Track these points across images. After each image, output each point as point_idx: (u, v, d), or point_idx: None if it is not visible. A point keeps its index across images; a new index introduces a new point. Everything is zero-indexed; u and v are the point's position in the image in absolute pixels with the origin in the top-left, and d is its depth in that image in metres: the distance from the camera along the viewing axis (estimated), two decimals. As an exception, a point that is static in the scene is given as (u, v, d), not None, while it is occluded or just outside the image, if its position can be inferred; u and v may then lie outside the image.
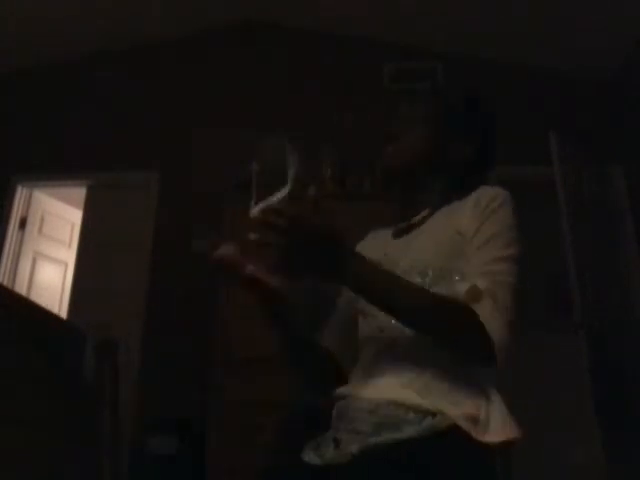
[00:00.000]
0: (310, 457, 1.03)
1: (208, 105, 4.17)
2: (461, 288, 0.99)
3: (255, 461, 2.69)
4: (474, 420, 0.96)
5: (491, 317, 0.96)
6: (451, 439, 0.93)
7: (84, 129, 4.20)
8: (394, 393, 1.00)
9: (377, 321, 1.12)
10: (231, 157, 3.86)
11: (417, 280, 1.06)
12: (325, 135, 3.82)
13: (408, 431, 0.94)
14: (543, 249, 3.73)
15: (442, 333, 0.99)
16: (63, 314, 3.94)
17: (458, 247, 1.07)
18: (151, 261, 3.82)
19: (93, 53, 4.32)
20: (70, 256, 4.44)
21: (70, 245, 4.60)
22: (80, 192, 4.26)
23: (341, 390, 1.12)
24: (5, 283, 3.90)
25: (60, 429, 1.41)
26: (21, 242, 4.18)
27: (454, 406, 0.96)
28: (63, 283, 4.55)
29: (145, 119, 4.18)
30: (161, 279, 3.76)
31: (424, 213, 1.20)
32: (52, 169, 4.16)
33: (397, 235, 1.25)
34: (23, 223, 4.20)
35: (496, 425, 0.98)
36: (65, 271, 4.59)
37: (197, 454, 2.93)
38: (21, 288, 4.07)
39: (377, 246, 1.26)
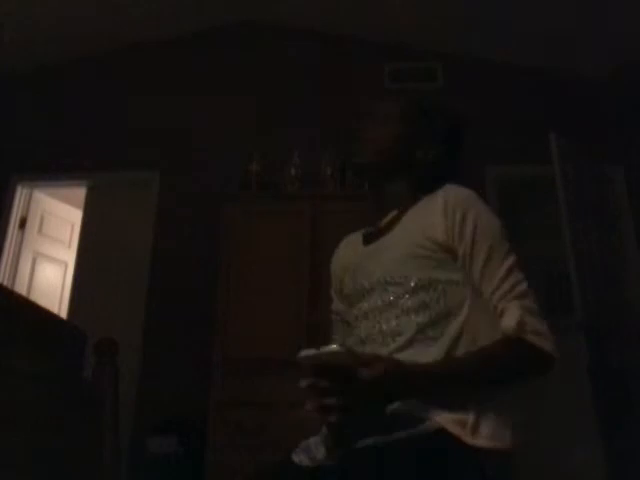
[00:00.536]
0: (300, 459, 1.03)
1: (208, 105, 4.17)
2: (508, 323, 1.02)
3: (255, 461, 2.70)
4: (462, 424, 0.97)
5: (540, 333, 1.02)
6: (439, 442, 0.95)
7: (84, 129, 4.20)
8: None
9: (359, 331, 1.14)
10: (231, 157, 3.87)
11: (392, 291, 1.08)
12: (325, 135, 3.82)
13: (398, 434, 0.95)
14: (543, 249, 3.73)
15: (517, 378, 1.04)
16: (63, 314, 3.94)
17: (435, 257, 1.08)
18: (151, 261, 3.82)
19: (93, 53, 4.31)
20: (70, 256, 4.43)
21: (70, 245, 4.60)
22: (80, 192, 4.26)
23: None
24: (5, 283, 3.90)
25: (60, 429, 1.41)
26: (21, 242, 4.18)
27: (442, 410, 0.97)
28: (63, 283, 4.55)
29: (145, 119, 4.18)
30: (161, 279, 3.76)
31: (391, 215, 1.21)
32: (52, 169, 4.16)
33: (367, 241, 1.25)
34: (23, 223, 4.20)
35: (487, 431, 0.99)
36: (65, 271, 4.59)
37: (197, 454, 2.93)
38: (21, 288, 4.07)
39: (349, 254, 1.28)
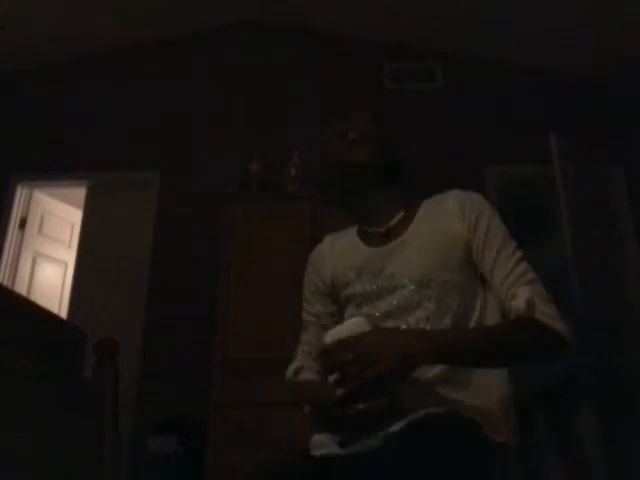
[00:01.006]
0: (329, 449, 1.03)
1: (208, 105, 4.17)
2: (518, 304, 1.07)
3: (255, 461, 2.70)
4: (488, 417, 1.03)
5: (550, 315, 1.06)
6: (457, 430, 0.98)
7: (84, 129, 4.20)
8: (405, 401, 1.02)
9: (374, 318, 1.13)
10: (231, 157, 3.87)
11: (416, 291, 1.12)
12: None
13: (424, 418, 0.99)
14: (543, 249, 3.73)
15: (528, 355, 1.08)
16: (63, 314, 3.93)
17: (456, 257, 1.14)
18: (151, 261, 3.82)
19: (93, 53, 4.32)
20: (70, 256, 4.43)
21: (70, 245, 4.60)
22: (80, 192, 4.26)
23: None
24: (5, 283, 3.90)
25: (60, 429, 1.41)
26: (21, 242, 4.18)
27: (467, 401, 1.03)
28: (63, 283, 4.55)
29: (145, 119, 4.18)
30: (161, 279, 3.76)
31: (398, 217, 1.23)
32: (52, 169, 4.16)
33: (373, 242, 1.25)
34: (23, 223, 4.20)
35: (507, 427, 1.05)
36: (65, 271, 4.59)
37: (197, 454, 2.93)
38: (21, 288, 4.07)
39: (350, 255, 1.26)
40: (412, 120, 4.01)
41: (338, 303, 1.29)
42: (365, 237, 1.27)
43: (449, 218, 1.18)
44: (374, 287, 1.18)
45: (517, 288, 1.09)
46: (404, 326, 1.11)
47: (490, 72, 4.12)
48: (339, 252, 1.31)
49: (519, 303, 1.06)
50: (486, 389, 1.07)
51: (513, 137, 3.92)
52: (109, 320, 3.42)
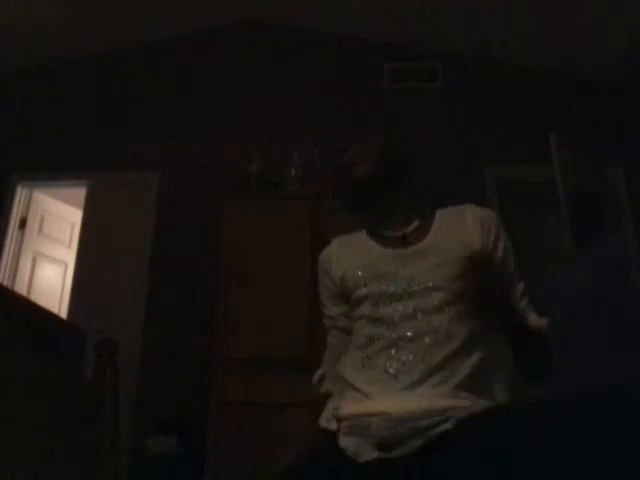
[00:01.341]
0: (374, 455, 1.04)
1: (208, 105, 4.18)
2: (542, 322, 1.20)
3: (255, 461, 2.70)
4: None
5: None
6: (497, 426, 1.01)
7: (84, 129, 4.20)
8: (436, 402, 1.06)
9: (397, 330, 1.16)
10: (231, 157, 3.87)
11: (436, 296, 1.16)
12: (325, 135, 3.82)
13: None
14: (543, 249, 3.73)
15: (540, 365, 1.19)
16: (63, 314, 3.94)
17: (472, 269, 1.14)
18: (151, 261, 3.82)
19: (93, 53, 4.32)
20: (70, 256, 4.44)
21: (70, 245, 4.60)
22: (80, 192, 4.26)
23: (361, 409, 1.12)
24: (5, 283, 3.90)
25: (60, 429, 1.41)
26: (21, 242, 4.18)
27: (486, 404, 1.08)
28: (63, 283, 4.55)
29: (145, 119, 4.18)
30: (161, 279, 3.76)
31: (414, 225, 1.27)
32: (52, 169, 4.16)
33: (389, 244, 1.26)
34: (23, 223, 4.20)
35: None
36: (65, 271, 4.59)
37: (197, 454, 2.93)
38: (21, 288, 4.07)
39: (364, 257, 1.27)
40: (412, 120, 4.02)
41: (349, 303, 1.29)
42: (379, 240, 1.29)
43: (469, 234, 1.22)
44: (392, 288, 1.19)
45: (527, 309, 1.22)
46: (437, 326, 1.14)
47: (490, 72, 4.12)
48: (350, 253, 1.31)
49: (541, 321, 1.19)
50: (501, 394, 1.14)
51: (513, 137, 3.92)
52: (109, 320, 3.43)
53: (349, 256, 1.30)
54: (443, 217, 1.28)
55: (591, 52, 3.74)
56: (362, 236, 1.34)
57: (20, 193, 4.19)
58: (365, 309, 1.22)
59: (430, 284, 1.16)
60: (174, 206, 3.93)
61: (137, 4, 3.90)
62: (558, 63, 3.94)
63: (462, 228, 1.23)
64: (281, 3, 4.09)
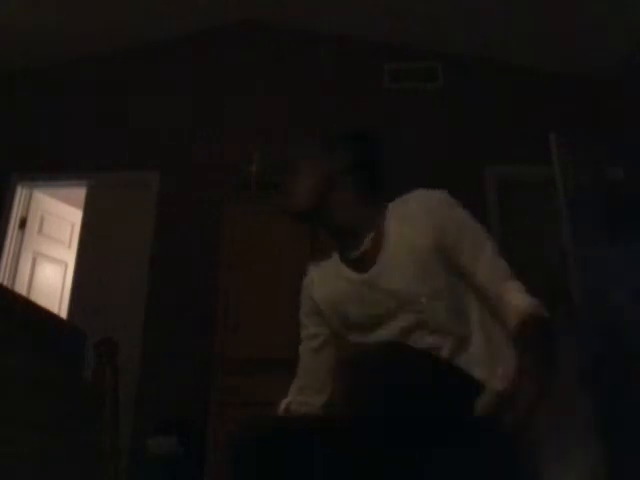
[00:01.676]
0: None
1: (208, 105, 4.17)
2: (525, 303, 1.10)
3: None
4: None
5: (541, 307, 1.10)
6: None
7: (84, 129, 4.20)
8: None
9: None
10: (231, 157, 3.87)
11: (412, 310, 1.14)
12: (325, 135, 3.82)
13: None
14: (543, 249, 3.73)
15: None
16: (63, 314, 3.94)
17: (435, 263, 1.14)
18: (151, 261, 3.82)
19: (93, 53, 4.32)
20: (70, 256, 4.44)
21: (70, 245, 4.60)
22: (80, 192, 4.26)
23: None
24: (5, 283, 3.90)
25: (60, 429, 1.41)
26: (21, 242, 4.18)
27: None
28: (63, 283, 4.55)
29: (145, 119, 4.18)
30: (161, 279, 3.76)
31: (369, 238, 1.22)
32: (52, 169, 4.16)
33: (356, 267, 1.23)
34: (23, 223, 4.20)
35: None
36: (65, 271, 4.59)
37: (197, 454, 2.93)
38: (21, 288, 4.07)
39: (341, 285, 1.25)
40: (412, 120, 4.02)
41: (330, 327, 1.29)
42: (347, 263, 1.26)
43: (418, 231, 1.17)
44: (371, 314, 1.19)
45: (505, 282, 1.13)
46: (420, 345, 1.13)
47: (490, 72, 4.12)
48: (330, 283, 1.29)
49: (524, 302, 1.09)
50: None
51: (513, 137, 3.92)
52: (109, 320, 3.42)
53: (332, 288, 1.28)
54: (393, 216, 1.23)
55: (591, 52, 3.74)
56: (336, 258, 1.31)
57: (20, 193, 4.19)
58: (354, 337, 1.24)
59: (395, 303, 1.15)
60: (174, 206, 3.93)
61: (137, 4, 3.90)
62: (558, 63, 3.94)
63: (411, 227, 1.18)
64: (281, 3, 4.09)
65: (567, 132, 3.30)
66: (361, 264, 1.22)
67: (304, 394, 1.29)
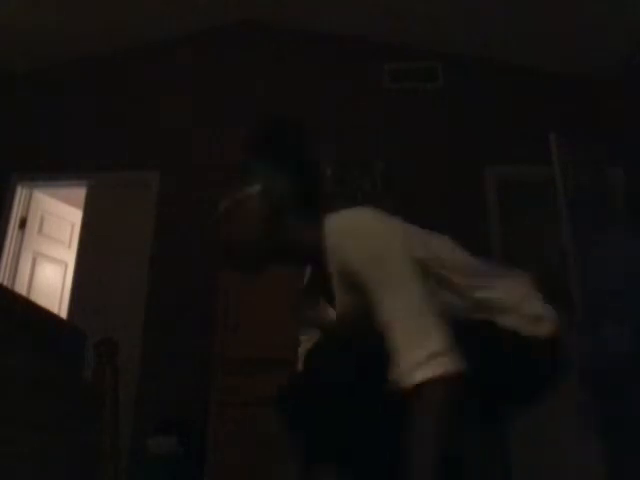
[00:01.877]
0: None
1: (208, 105, 4.17)
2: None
3: (255, 461, 2.70)
4: None
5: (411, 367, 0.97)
6: None
7: (84, 129, 4.20)
8: None
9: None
10: (231, 157, 3.87)
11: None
12: (325, 135, 3.82)
13: None
14: (543, 249, 3.73)
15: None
16: (63, 314, 3.94)
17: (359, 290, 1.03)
18: (151, 261, 3.82)
19: (93, 53, 4.32)
20: (70, 256, 4.44)
21: (70, 245, 4.60)
22: (80, 192, 4.26)
23: None
24: (5, 283, 3.90)
25: (60, 429, 1.41)
26: (21, 242, 4.18)
27: None
28: (63, 283, 4.55)
29: (145, 119, 4.18)
30: (161, 279, 3.76)
31: (309, 272, 1.21)
32: (52, 169, 4.16)
33: (323, 297, 1.22)
34: (23, 223, 4.20)
35: None
36: (65, 271, 4.59)
37: (197, 454, 2.93)
38: (21, 288, 4.07)
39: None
40: (412, 120, 4.02)
41: None
42: (317, 295, 1.26)
43: (334, 256, 1.07)
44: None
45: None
46: None
47: (490, 72, 4.12)
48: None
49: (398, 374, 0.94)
50: None
51: (513, 137, 3.92)
52: (109, 320, 3.43)
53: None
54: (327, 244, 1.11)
55: (591, 52, 3.74)
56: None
57: (20, 193, 4.19)
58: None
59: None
60: (174, 206, 3.93)
61: (137, 4, 3.90)
62: (558, 63, 3.94)
63: (332, 254, 1.08)
64: (281, 3, 4.09)
65: (567, 132, 3.30)
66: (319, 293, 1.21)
67: None
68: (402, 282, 0.97)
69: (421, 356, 0.90)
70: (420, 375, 0.89)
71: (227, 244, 1.18)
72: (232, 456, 2.82)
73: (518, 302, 1.09)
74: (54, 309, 4.18)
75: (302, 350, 1.33)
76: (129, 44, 4.30)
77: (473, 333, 0.99)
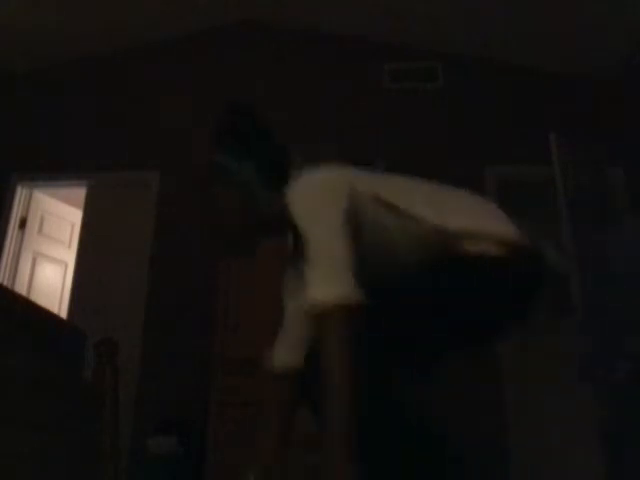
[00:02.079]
0: None
1: (208, 105, 4.17)
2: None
3: (255, 461, 2.69)
4: None
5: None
6: None
7: (84, 129, 4.20)
8: None
9: None
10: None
11: None
12: (325, 135, 3.82)
13: None
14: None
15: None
16: (63, 314, 3.94)
17: None
18: (151, 261, 3.82)
19: (93, 53, 4.32)
20: (70, 256, 4.44)
21: (70, 245, 4.60)
22: (80, 192, 4.26)
23: None
24: (5, 283, 3.90)
25: (60, 429, 1.41)
26: (21, 242, 4.18)
27: None
28: (63, 283, 4.55)
29: (145, 119, 4.18)
30: (161, 279, 3.76)
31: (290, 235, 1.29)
32: (52, 169, 4.16)
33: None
34: (23, 223, 4.20)
35: None
36: (65, 271, 4.59)
37: (197, 454, 2.93)
38: (21, 288, 4.07)
39: None
40: (412, 120, 4.02)
41: None
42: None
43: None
44: None
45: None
46: None
47: (490, 72, 4.12)
48: None
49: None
50: None
51: (513, 137, 3.92)
52: (109, 320, 3.43)
53: None
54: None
55: (591, 52, 3.74)
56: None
57: (20, 193, 4.19)
58: None
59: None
60: (174, 206, 3.93)
61: (137, 4, 3.90)
62: (558, 63, 3.94)
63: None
64: (281, 3, 4.09)
65: (567, 132, 3.30)
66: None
67: None
68: (324, 229, 1.09)
69: (329, 291, 1.02)
70: (322, 298, 1.01)
71: (221, 232, 1.35)
72: (232, 456, 2.81)
73: (472, 225, 1.17)
74: (54, 309, 4.18)
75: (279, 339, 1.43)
76: (129, 44, 4.30)
77: (441, 266, 1.10)
